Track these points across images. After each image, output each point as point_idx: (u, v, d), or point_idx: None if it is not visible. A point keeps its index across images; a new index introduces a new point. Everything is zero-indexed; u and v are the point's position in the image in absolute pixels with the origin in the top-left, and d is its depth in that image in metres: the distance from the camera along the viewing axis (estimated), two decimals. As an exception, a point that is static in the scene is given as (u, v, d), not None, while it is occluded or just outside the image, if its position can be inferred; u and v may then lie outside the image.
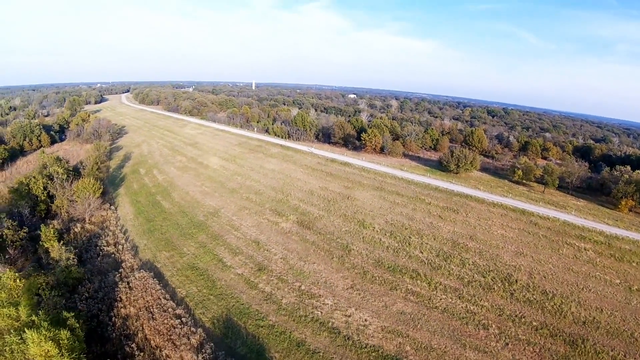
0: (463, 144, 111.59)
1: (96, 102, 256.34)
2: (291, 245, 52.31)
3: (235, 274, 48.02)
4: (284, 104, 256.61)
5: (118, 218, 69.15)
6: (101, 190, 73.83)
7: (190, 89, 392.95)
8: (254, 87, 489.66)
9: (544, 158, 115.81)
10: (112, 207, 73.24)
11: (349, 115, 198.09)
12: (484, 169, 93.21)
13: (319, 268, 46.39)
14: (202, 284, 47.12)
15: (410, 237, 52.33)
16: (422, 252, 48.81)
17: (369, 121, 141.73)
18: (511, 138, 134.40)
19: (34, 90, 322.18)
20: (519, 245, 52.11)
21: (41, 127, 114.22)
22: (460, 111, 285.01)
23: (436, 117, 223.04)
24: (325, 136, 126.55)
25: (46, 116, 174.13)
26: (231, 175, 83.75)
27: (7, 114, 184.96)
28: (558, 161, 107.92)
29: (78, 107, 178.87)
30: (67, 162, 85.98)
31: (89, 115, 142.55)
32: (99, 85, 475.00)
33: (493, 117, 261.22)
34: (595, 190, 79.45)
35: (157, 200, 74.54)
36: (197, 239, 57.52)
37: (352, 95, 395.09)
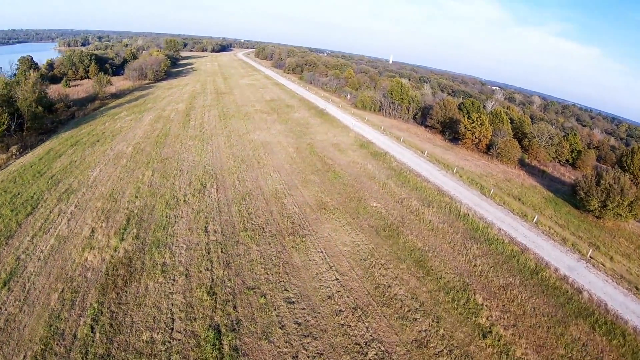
0: (616, 166, 55.97)
1: (212, 51, 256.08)
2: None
3: None
4: (409, 80, 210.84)
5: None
6: (5, 126, 52.13)
7: (325, 54, 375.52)
8: (390, 62, 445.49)
9: None
10: (24, 151, 50.97)
11: (464, 97, 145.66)
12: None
13: None
14: None
15: None
16: None
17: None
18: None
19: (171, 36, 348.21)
20: None
21: (92, 57, 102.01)
22: (615, 126, 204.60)
23: (585, 125, 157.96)
24: (425, 117, 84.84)
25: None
26: (190, 138, 52.28)
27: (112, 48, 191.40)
28: None
29: (173, 49, 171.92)
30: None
31: (156, 52, 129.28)
32: (243, 40, 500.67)
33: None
34: None
35: (67, 152, 48.61)
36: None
37: (495, 88, 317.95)
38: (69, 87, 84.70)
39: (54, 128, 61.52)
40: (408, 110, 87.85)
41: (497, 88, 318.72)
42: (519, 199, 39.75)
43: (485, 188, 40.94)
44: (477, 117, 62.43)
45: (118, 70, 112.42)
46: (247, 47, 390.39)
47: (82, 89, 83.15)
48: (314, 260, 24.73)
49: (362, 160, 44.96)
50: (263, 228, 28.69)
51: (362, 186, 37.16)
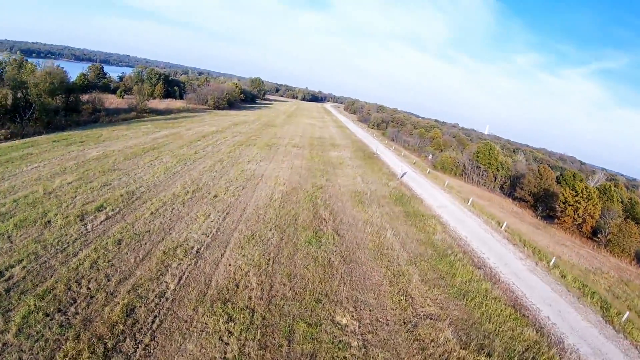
0: None
1: (303, 99, 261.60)
2: None
3: None
4: (502, 149, 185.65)
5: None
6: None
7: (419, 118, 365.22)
8: (486, 132, 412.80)
9: None
10: (11, 138, 44.36)
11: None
12: None
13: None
14: None
15: None
16: None
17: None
18: None
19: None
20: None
21: (161, 76, 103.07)
22: None
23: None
24: (514, 188, 65.97)
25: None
26: (173, 155, 40.51)
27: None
28: None
29: (257, 87, 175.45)
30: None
31: (232, 84, 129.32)
32: (338, 95, 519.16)
33: None
34: None
35: (41, 146, 40.08)
36: None
37: (595, 169, 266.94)
38: (123, 98, 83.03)
39: (67, 125, 55.65)
40: (495, 178, 69.50)
41: (598, 170, 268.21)
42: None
43: (610, 306, 19.54)
44: (582, 189, 42.20)
45: (185, 94, 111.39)
46: (341, 102, 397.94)
47: (128, 101, 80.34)
48: None
49: (384, 222, 26.68)
50: None
51: (349, 270, 18.99)
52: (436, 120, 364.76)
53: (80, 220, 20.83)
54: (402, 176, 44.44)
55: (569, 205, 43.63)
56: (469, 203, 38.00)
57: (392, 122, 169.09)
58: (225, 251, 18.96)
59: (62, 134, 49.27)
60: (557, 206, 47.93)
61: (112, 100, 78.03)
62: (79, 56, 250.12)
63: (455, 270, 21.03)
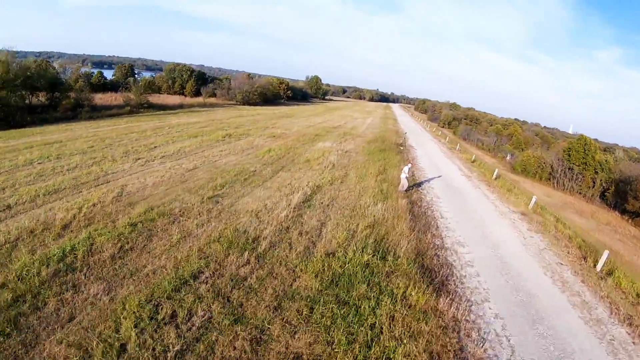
0: None
1: (370, 100, 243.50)
2: None
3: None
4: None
5: None
6: None
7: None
8: (570, 132, 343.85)
9: None
10: None
11: None
12: None
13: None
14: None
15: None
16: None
17: None
18: None
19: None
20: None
21: (192, 72, 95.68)
22: None
23: None
24: (621, 197, 41.86)
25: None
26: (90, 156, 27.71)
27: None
28: None
29: (315, 87, 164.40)
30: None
31: (274, 80, 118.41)
32: (411, 97, 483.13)
33: None
34: None
35: None
36: None
37: None
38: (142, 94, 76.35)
39: (31, 122, 47.88)
40: (593, 182, 46.88)
41: None
42: None
43: None
44: None
45: (204, 88, 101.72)
46: (413, 104, 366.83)
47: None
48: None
49: None
50: None
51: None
52: (516, 119, 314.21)
53: None
54: (417, 186, 25.26)
55: None
56: (561, 246, 16.24)
57: (465, 119, 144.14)
58: None
59: (14, 131, 40.71)
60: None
61: (117, 97, 71.42)
62: (150, 66, 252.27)
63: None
